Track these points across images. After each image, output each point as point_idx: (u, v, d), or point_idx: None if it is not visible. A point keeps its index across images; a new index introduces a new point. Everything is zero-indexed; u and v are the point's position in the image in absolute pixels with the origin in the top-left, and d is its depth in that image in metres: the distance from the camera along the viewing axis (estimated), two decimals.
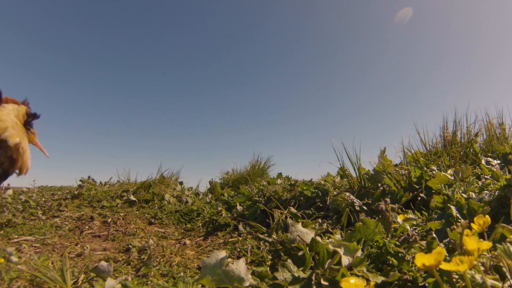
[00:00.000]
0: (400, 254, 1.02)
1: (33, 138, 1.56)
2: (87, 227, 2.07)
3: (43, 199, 2.77)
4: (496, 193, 1.26)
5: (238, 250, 1.55)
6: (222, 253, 0.83)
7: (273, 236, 1.58)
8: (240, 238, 1.73)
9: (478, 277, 0.59)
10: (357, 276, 0.89)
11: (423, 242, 1.06)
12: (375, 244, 1.10)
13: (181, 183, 3.81)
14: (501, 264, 0.69)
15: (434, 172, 1.72)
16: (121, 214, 2.45)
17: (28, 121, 1.54)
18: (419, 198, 1.71)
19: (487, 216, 0.77)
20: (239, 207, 2.34)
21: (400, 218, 1.32)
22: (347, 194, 1.76)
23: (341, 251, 0.92)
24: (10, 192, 2.77)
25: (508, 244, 0.69)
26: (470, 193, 1.36)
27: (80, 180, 3.52)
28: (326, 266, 0.91)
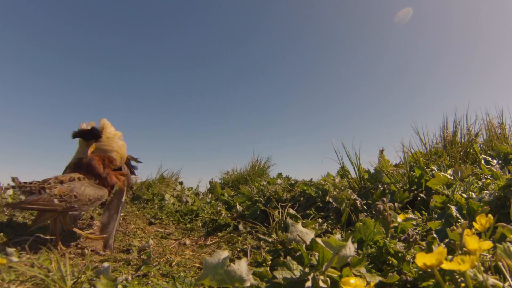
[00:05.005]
0: (400, 254, 1.02)
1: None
2: (87, 227, 2.07)
3: None
4: (496, 193, 1.26)
5: (238, 250, 1.55)
6: (225, 253, 0.83)
7: (273, 236, 1.58)
8: (240, 238, 1.73)
9: (479, 276, 0.59)
10: (355, 275, 0.89)
11: (423, 242, 1.06)
12: (375, 244, 1.11)
13: (181, 183, 3.81)
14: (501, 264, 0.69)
15: (434, 172, 1.72)
16: (121, 214, 2.45)
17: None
18: (419, 198, 1.71)
19: (489, 215, 0.76)
20: (239, 207, 2.34)
21: (400, 218, 1.33)
22: (349, 191, 1.76)
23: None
24: (10, 192, 2.77)
25: (508, 244, 0.69)
26: (470, 193, 1.36)
27: None
28: (325, 266, 0.92)
